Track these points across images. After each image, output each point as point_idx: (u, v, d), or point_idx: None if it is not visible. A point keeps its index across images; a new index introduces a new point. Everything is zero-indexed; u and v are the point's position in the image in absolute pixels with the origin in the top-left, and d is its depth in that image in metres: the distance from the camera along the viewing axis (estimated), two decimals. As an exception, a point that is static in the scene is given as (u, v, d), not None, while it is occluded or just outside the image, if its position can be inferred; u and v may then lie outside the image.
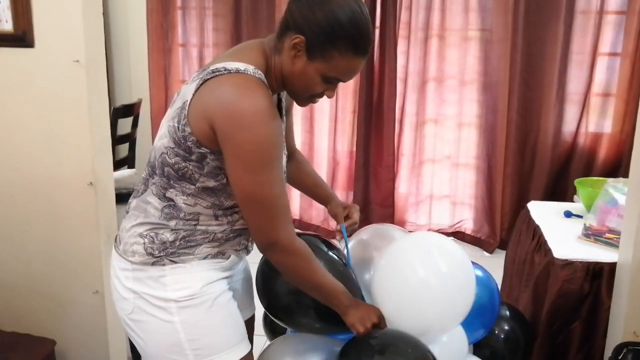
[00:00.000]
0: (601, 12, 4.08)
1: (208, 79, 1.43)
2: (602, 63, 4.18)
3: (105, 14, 2.44)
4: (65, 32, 2.32)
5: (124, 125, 4.03)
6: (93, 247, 2.50)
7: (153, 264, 1.55)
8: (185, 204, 1.54)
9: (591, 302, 2.38)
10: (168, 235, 1.55)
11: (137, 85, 4.86)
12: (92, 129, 2.40)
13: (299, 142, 4.71)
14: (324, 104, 4.63)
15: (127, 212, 1.65)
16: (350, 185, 4.76)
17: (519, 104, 4.27)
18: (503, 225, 4.45)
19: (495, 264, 3.30)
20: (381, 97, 4.50)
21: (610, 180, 2.71)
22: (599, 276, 2.36)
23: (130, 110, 4.10)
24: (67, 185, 2.46)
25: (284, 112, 1.74)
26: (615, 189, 2.58)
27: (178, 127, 1.46)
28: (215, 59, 1.54)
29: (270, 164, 1.44)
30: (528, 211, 2.96)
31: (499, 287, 3.16)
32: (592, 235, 2.53)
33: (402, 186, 4.73)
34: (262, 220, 1.48)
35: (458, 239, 4.70)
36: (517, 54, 4.19)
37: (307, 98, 1.60)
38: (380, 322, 1.65)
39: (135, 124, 4.23)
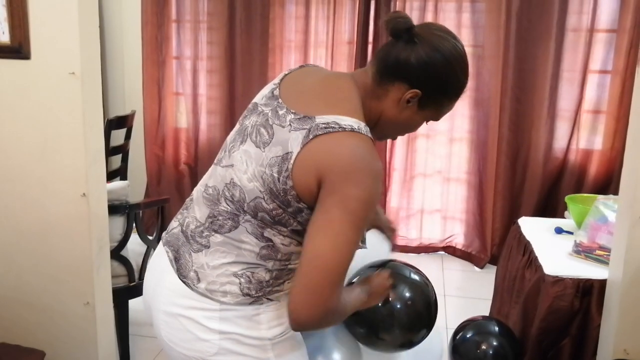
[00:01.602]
0: (592, 30, 4.12)
1: (319, 135, 1.36)
2: (592, 80, 4.22)
3: (100, 26, 2.46)
4: (62, 44, 2.33)
5: (117, 137, 4.03)
6: (85, 258, 2.50)
7: (250, 304, 1.47)
8: (282, 244, 1.47)
9: (581, 319, 2.40)
10: (264, 275, 1.48)
11: (130, 97, 4.87)
12: (87, 141, 2.41)
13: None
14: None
15: (206, 247, 1.51)
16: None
17: (510, 120, 4.30)
18: (494, 241, 4.47)
19: (486, 279, 3.32)
20: (373, 111, 4.51)
21: (600, 197, 2.74)
22: (589, 293, 2.38)
23: (124, 122, 4.10)
24: (60, 196, 2.46)
25: None
26: (606, 206, 2.61)
27: (278, 179, 1.39)
28: (306, 98, 1.47)
29: (364, 224, 1.38)
30: (519, 227, 2.98)
31: (490, 302, 3.18)
32: (583, 251, 2.55)
33: (394, 200, 4.75)
34: (327, 281, 1.34)
35: (449, 253, 4.72)
36: (508, 70, 4.22)
37: (394, 138, 1.64)
38: (390, 281, 1.69)
39: (128, 136, 4.23)
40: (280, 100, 1.48)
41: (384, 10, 4.32)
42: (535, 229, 2.91)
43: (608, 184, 4.21)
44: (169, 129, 4.86)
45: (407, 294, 1.77)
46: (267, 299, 1.48)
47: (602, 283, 2.34)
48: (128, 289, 2.93)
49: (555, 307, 2.38)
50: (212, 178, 1.58)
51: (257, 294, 1.47)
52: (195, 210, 1.58)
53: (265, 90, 1.57)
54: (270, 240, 1.46)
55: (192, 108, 4.80)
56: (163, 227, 3.32)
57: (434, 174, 4.67)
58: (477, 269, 4.49)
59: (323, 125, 1.37)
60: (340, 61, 4.51)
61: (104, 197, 2.57)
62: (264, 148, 1.43)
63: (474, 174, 4.54)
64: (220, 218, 1.50)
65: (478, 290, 4.05)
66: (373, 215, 1.48)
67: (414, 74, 1.45)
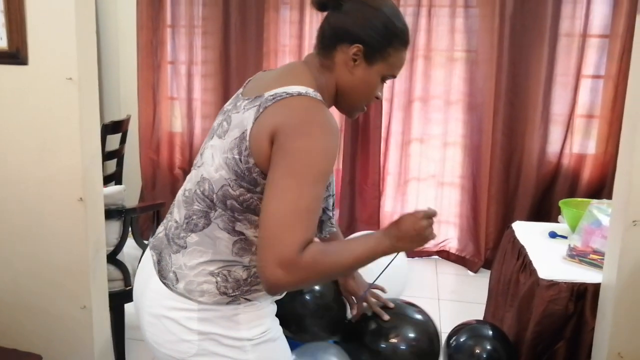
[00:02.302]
0: (584, 35, 4.15)
1: (269, 105, 1.40)
2: (585, 85, 4.25)
3: (96, 30, 2.46)
4: (59, 49, 2.33)
5: (112, 142, 4.04)
6: (81, 262, 2.50)
7: (228, 303, 1.48)
8: (254, 236, 1.48)
9: (575, 323, 2.41)
10: (241, 273, 1.49)
11: (125, 102, 4.87)
12: (84, 146, 2.41)
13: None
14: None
15: (183, 247, 1.52)
16: (336, 202, 4.77)
17: (504, 124, 4.32)
18: (487, 245, 4.48)
19: (480, 284, 3.33)
20: (367, 116, 4.54)
21: (594, 201, 2.75)
22: (584, 297, 2.39)
23: (119, 127, 4.10)
24: (57, 201, 2.46)
25: None
26: (600, 210, 2.63)
27: (240, 159, 1.41)
28: (259, 84, 1.53)
29: (320, 178, 1.35)
30: (513, 231, 2.99)
31: (484, 306, 3.19)
32: (577, 256, 2.57)
33: (388, 204, 4.76)
34: (283, 232, 1.31)
35: (442, 257, 4.73)
36: (502, 75, 4.24)
37: (362, 107, 1.62)
38: (427, 216, 1.51)
39: (123, 140, 4.23)
40: (240, 96, 1.54)
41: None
42: (529, 233, 2.93)
43: (601, 188, 4.24)
44: (164, 133, 4.87)
45: (412, 335, 1.95)
46: (245, 299, 1.50)
47: (596, 287, 2.35)
48: (124, 293, 2.93)
49: (550, 311, 2.40)
50: (189, 182, 1.61)
51: (234, 292, 1.48)
52: (175, 213, 1.61)
53: (233, 96, 1.63)
54: (243, 234, 1.48)
55: (187, 112, 4.81)
56: (159, 231, 3.33)
57: (428, 178, 4.69)
58: (470, 273, 4.50)
59: (271, 97, 1.41)
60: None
61: (100, 202, 2.57)
62: (224, 137, 1.48)
63: (468, 178, 4.56)
64: (194, 217, 1.52)
65: (472, 294, 4.07)
66: (331, 171, 1.46)
67: (349, 31, 1.49)
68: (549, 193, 4.38)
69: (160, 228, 1.68)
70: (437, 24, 4.36)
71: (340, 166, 4.66)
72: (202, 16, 4.66)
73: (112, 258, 2.89)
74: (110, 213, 2.81)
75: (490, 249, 4.46)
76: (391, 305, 2.03)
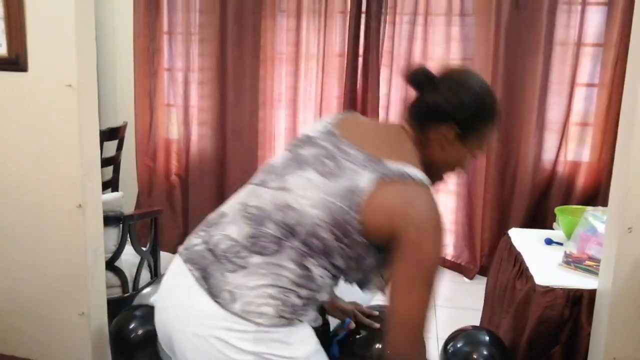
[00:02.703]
0: (579, 44, 4.18)
1: (393, 181, 1.46)
2: (580, 93, 4.27)
3: (94, 37, 2.48)
4: (59, 56, 2.35)
5: (109, 148, 4.05)
6: (80, 269, 2.51)
7: (283, 325, 1.47)
8: (319, 276, 1.51)
9: (571, 328, 2.43)
10: (296, 300, 1.49)
11: (122, 109, 4.87)
12: (82, 152, 2.43)
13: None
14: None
15: (243, 267, 1.49)
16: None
17: (499, 132, 4.34)
18: (483, 252, 4.49)
19: (476, 290, 3.34)
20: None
21: (589, 208, 2.78)
22: (579, 303, 2.41)
23: (116, 134, 4.12)
24: (56, 207, 2.47)
25: None
26: (595, 218, 2.65)
27: (347, 212, 1.46)
28: (364, 136, 1.58)
29: (437, 278, 1.50)
30: (509, 238, 3.01)
31: (480, 313, 3.21)
32: (573, 262, 2.59)
33: (384, 211, 4.76)
34: (415, 322, 1.49)
35: (438, 264, 4.74)
36: (497, 83, 4.26)
37: (445, 177, 1.70)
38: None
39: (120, 147, 4.24)
40: (341, 138, 1.57)
41: (374, 23, 4.36)
42: (525, 240, 2.94)
43: (595, 195, 4.26)
44: (161, 140, 4.88)
45: None
46: (298, 320, 1.50)
47: (592, 293, 2.37)
48: (122, 300, 2.94)
49: (546, 317, 2.41)
50: (253, 197, 1.58)
51: (291, 316, 1.48)
52: (229, 228, 1.56)
53: (319, 127, 1.65)
54: (309, 270, 1.49)
55: (184, 119, 4.82)
56: (156, 238, 3.34)
57: (424, 185, 4.70)
58: (466, 279, 4.51)
59: (396, 173, 1.47)
60: (331, 73, 4.55)
61: (99, 208, 2.59)
62: (330, 179, 1.50)
63: (463, 185, 4.58)
64: (263, 240, 1.50)
65: (468, 300, 4.08)
66: None
67: (445, 112, 1.56)
68: (543, 200, 4.40)
69: (196, 240, 1.61)
70: (433, 32, 4.39)
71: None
72: (199, 23, 4.67)
73: (110, 265, 2.90)
74: (109, 220, 2.82)
75: (485, 255, 4.47)
76: (375, 313, 2.08)
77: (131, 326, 2.42)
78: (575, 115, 4.31)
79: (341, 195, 1.46)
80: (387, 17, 4.40)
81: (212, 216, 1.64)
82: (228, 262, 1.50)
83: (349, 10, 4.41)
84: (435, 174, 1.63)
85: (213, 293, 1.48)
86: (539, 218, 4.37)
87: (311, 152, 1.57)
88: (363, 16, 4.40)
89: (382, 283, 1.81)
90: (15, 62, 2.36)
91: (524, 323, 2.51)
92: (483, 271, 4.34)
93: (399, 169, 1.47)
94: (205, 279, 1.51)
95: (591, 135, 4.29)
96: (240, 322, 1.45)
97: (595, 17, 4.14)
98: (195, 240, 1.61)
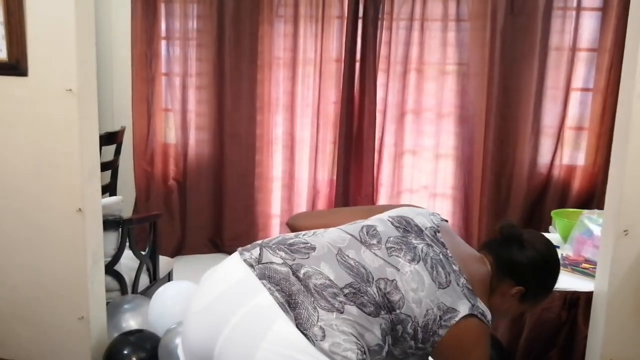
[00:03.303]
0: (574, 49, 4.22)
1: (478, 317, 1.61)
2: (575, 98, 4.31)
3: (92, 42, 2.50)
4: (59, 61, 2.36)
5: (107, 153, 4.06)
6: (80, 273, 2.52)
7: None
8: (385, 352, 1.59)
9: (568, 330, 2.44)
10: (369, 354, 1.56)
11: (120, 113, 4.88)
12: (82, 157, 2.44)
13: (279, 170, 4.78)
14: (304, 134, 4.71)
15: (339, 311, 1.51)
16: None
17: (495, 136, 4.36)
18: (480, 255, 4.50)
19: (473, 293, 3.35)
20: (361, 128, 4.58)
21: (585, 211, 2.80)
22: (576, 305, 2.42)
23: (114, 138, 4.13)
24: (55, 211, 2.48)
25: None
26: (591, 221, 2.67)
27: (438, 323, 1.59)
28: (471, 272, 1.70)
29: None
30: (506, 241, 3.02)
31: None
32: (569, 265, 2.61)
33: (381, 215, 4.77)
34: None
35: (435, 268, 4.75)
36: (493, 87, 4.29)
37: None
38: None
39: (118, 152, 4.26)
40: (447, 252, 1.70)
41: (371, 29, 4.39)
42: (521, 243, 2.95)
43: (591, 198, 4.28)
44: (158, 145, 4.88)
45: None
46: None
47: (588, 295, 2.39)
48: (121, 304, 2.94)
49: (543, 319, 2.43)
50: (351, 250, 1.63)
51: None
52: (322, 265, 1.57)
53: (425, 221, 1.78)
54: (384, 344, 1.57)
55: (181, 124, 4.83)
56: (155, 242, 3.35)
57: (420, 189, 4.72)
58: (463, 283, 4.52)
59: (481, 312, 1.63)
60: (328, 79, 4.57)
61: (99, 212, 2.60)
62: (439, 288, 1.62)
63: (460, 189, 4.60)
64: (365, 298, 1.55)
65: (465, 304, 4.08)
66: None
67: (523, 273, 1.74)
68: (539, 203, 4.42)
69: (275, 259, 1.58)
70: (429, 37, 4.42)
71: (335, 177, 4.69)
72: (196, 29, 4.69)
73: (110, 269, 2.91)
74: (108, 224, 2.83)
75: (482, 259, 4.47)
76: None
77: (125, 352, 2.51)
78: (571, 120, 4.34)
79: (440, 308, 1.59)
80: (384, 22, 4.43)
81: (293, 240, 1.65)
82: (323, 299, 1.51)
83: (345, 15, 4.44)
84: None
85: (303, 326, 1.47)
86: (535, 221, 4.39)
87: (425, 250, 1.67)
88: (360, 22, 4.43)
89: None
90: (16, 67, 2.37)
91: (522, 325, 2.53)
92: (480, 275, 4.35)
93: (483, 310, 1.64)
94: (291, 306, 1.49)
95: (586, 139, 4.32)
96: (324, 359, 1.45)
97: (589, 23, 4.19)
98: (274, 259, 1.58)
